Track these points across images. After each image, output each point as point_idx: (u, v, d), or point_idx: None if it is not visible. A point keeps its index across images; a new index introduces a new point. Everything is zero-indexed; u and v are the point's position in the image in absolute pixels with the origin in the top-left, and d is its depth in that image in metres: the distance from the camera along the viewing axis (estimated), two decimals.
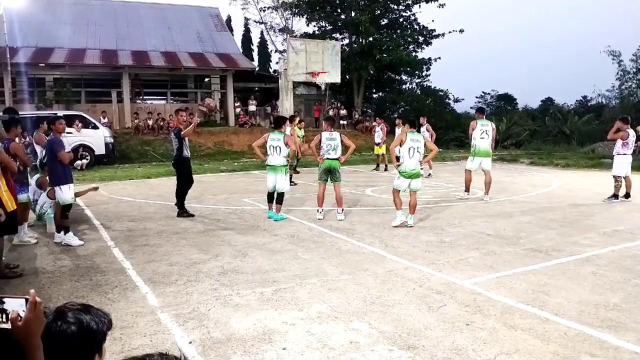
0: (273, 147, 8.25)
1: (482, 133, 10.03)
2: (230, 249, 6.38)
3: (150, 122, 22.12)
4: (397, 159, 8.07)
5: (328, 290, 4.79)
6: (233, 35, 35.72)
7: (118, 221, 8.21)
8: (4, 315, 1.28)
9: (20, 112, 8.86)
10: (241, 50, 32.73)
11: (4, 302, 1.29)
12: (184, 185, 8.66)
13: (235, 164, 18.37)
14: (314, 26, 32.26)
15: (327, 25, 31.51)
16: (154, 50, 25.12)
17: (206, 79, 28.96)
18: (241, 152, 21.56)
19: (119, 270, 5.52)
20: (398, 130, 14.42)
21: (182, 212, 8.53)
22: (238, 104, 26.17)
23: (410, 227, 7.52)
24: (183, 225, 7.83)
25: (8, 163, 5.26)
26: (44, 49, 22.72)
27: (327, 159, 8.23)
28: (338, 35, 31.36)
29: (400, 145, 7.65)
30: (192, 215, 8.49)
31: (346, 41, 30.59)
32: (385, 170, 15.83)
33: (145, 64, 23.67)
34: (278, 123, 8.74)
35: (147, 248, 6.46)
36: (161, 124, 22.02)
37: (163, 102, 26.94)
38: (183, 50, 25.74)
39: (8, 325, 1.28)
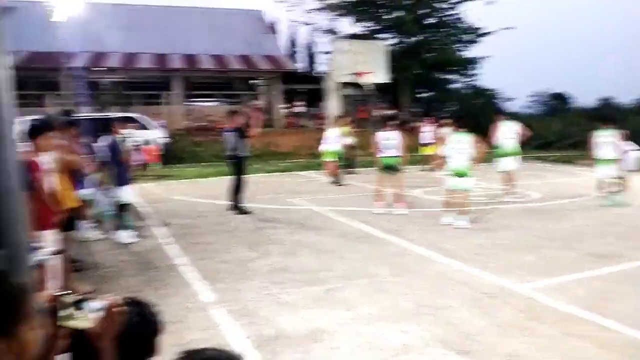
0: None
1: (507, 134, 10.08)
2: (278, 247, 6.45)
3: (200, 123, 22.71)
4: (444, 158, 8.03)
5: (377, 291, 4.75)
6: (279, 37, 36.07)
7: (173, 219, 8.45)
8: (88, 315, 1.37)
9: (77, 115, 9.28)
10: (287, 52, 33.04)
11: (88, 303, 1.37)
12: (239, 183, 8.87)
13: (282, 164, 18.56)
14: (360, 27, 32.15)
15: (372, 25, 31.34)
16: (203, 54, 25.74)
17: (253, 81, 29.41)
18: (288, 153, 21.76)
19: (173, 267, 5.69)
20: (447, 131, 14.18)
21: (239, 210, 8.75)
22: (284, 105, 26.44)
23: (457, 227, 7.38)
24: (233, 224, 7.97)
25: (72, 161, 5.51)
26: (100, 53, 23.72)
27: (385, 156, 8.64)
28: (384, 35, 31.12)
29: (447, 146, 7.76)
30: (249, 213, 8.70)
31: (392, 41, 30.32)
32: (435, 171, 15.56)
33: (195, 67, 24.29)
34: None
35: (200, 246, 6.63)
36: (211, 125, 22.56)
37: (212, 104, 27.56)
38: (231, 53, 26.23)
39: (90, 325, 1.36)
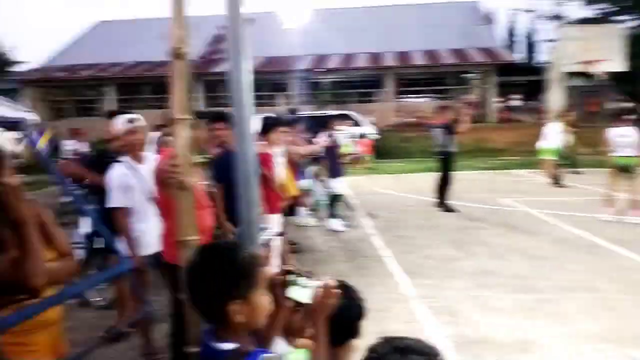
0: None
1: None
2: (486, 249, 6.17)
3: (410, 119, 23.05)
4: None
5: (600, 308, 4.21)
6: (496, 27, 34.17)
7: (380, 212, 8.76)
8: (307, 291, 1.54)
9: (300, 113, 10.25)
10: (505, 42, 31.15)
11: (307, 280, 1.54)
12: (445, 180, 8.79)
13: (495, 162, 17.63)
14: (591, 9, 28.38)
15: (607, 7, 27.38)
16: (415, 50, 25.95)
17: (466, 75, 28.54)
18: (501, 149, 20.57)
19: (379, 257, 5.92)
20: None
21: (445, 207, 8.67)
22: (499, 99, 25.05)
23: None
24: (440, 221, 7.91)
25: (294, 155, 6.15)
26: (321, 55, 25.78)
27: (620, 156, 7.65)
28: (622, 17, 26.94)
29: None
30: (456, 211, 8.54)
31: (632, 23, 26.04)
32: None
33: (407, 63, 24.65)
34: None
35: (405, 239, 6.75)
36: (420, 121, 22.69)
37: (423, 100, 27.62)
38: (444, 47, 25.89)
39: (309, 301, 1.53)
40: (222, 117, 4.30)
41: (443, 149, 8.69)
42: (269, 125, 5.24)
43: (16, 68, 30.99)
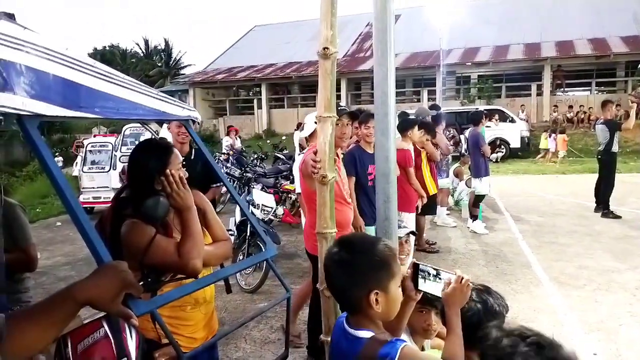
0: None
1: None
2: None
3: (569, 115, 21.05)
4: None
5: None
6: None
7: (527, 215, 8.21)
8: (439, 285, 1.56)
9: (445, 108, 9.95)
10: None
11: (440, 274, 1.56)
12: (607, 182, 7.94)
13: None
14: None
15: None
16: (579, 39, 23.55)
17: None
18: None
19: (524, 264, 5.55)
20: None
21: (607, 213, 7.83)
22: None
23: None
24: (598, 228, 7.14)
25: (433, 152, 6.04)
26: (470, 49, 24.65)
27: None
28: None
29: None
30: (619, 217, 7.67)
31: None
32: None
33: (570, 53, 22.49)
34: None
35: (555, 246, 6.24)
36: (582, 117, 20.60)
37: (586, 93, 24.98)
38: (614, 35, 23.10)
39: (440, 294, 1.55)
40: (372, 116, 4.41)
41: (606, 147, 7.84)
42: (406, 123, 5.23)
43: (186, 71, 34.84)
